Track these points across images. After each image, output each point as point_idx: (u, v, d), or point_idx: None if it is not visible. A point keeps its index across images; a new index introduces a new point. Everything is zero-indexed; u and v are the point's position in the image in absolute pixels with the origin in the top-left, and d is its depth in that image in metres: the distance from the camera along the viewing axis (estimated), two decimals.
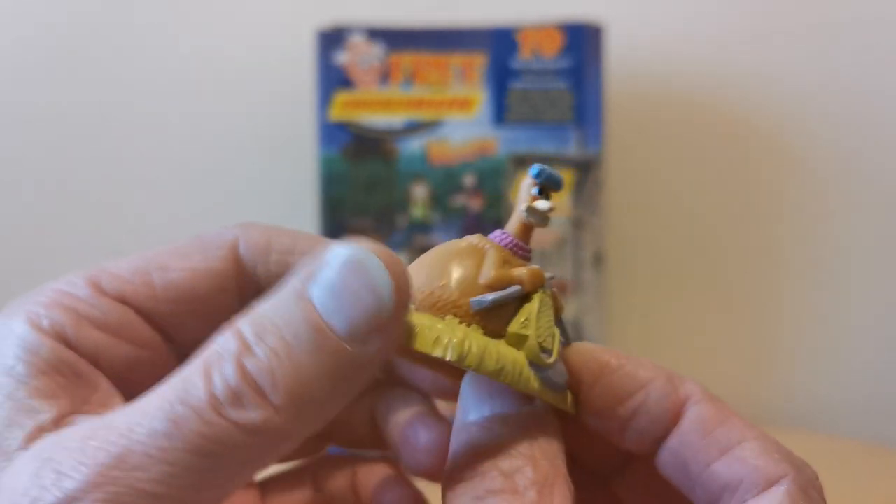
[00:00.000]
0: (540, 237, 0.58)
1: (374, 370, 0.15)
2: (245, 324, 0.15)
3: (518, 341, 0.17)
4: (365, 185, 0.57)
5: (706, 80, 0.69)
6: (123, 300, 0.19)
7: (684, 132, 0.69)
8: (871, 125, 0.69)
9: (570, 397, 0.18)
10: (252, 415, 0.14)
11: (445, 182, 0.57)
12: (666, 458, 0.18)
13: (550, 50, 0.56)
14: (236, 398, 0.14)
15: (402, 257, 0.53)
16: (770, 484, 0.17)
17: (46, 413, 0.16)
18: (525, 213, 0.20)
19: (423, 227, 0.58)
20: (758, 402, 0.71)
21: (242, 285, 0.20)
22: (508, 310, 0.17)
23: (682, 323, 0.70)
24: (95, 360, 0.18)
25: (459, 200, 0.58)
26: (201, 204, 0.69)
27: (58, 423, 0.16)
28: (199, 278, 0.19)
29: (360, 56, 0.56)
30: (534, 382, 0.16)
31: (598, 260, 0.58)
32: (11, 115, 0.69)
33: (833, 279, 0.70)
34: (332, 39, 0.56)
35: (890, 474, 0.56)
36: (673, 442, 0.17)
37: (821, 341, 0.71)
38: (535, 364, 0.17)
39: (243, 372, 0.14)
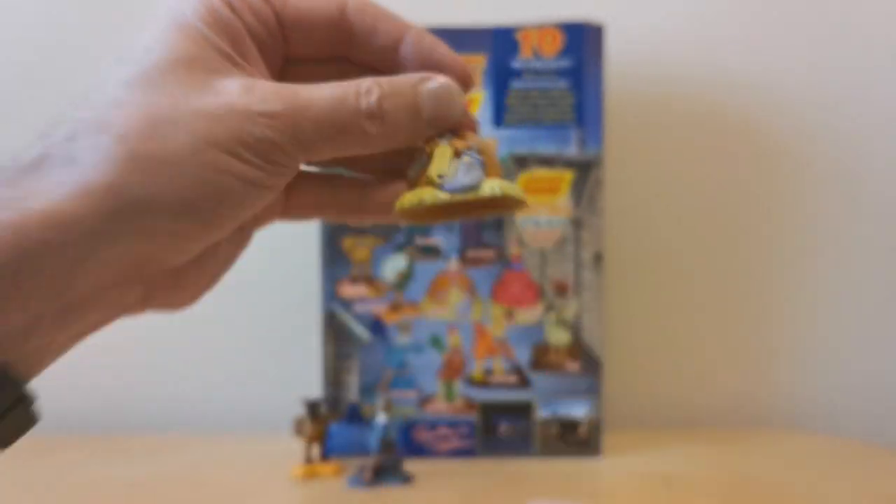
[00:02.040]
0: (541, 237, 0.58)
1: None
2: (385, 83, 0.25)
3: (427, 181, 0.26)
4: None
5: (706, 80, 0.69)
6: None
7: (684, 133, 0.69)
8: (870, 126, 0.69)
9: (486, 180, 0.27)
10: (372, 128, 0.24)
11: None
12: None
13: (551, 50, 0.56)
14: (370, 115, 0.24)
15: (401, 258, 0.54)
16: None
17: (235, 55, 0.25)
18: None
19: (423, 227, 0.58)
20: (758, 402, 0.71)
21: (343, 28, 0.27)
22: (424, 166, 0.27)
23: (681, 323, 0.70)
24: (249, 30, 0.25)
25: None
26: None
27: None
28: (318, 11, 0.26)
29: None
30: (439, 194, 0.26)
31: (598, 259, 0.58)
32: (12, 116, 0.69)
33: (833, 280, 0.70)
34: None
35: (890, 474, 0.56)
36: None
37: (820, 341, 0.71)
38: (435, 185, 0.26)
39: (379, 107, 0.24)
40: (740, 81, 0.68)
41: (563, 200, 0.58)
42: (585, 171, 0.57)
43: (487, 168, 0.27)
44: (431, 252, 0.58)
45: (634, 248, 0.70)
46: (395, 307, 0.58)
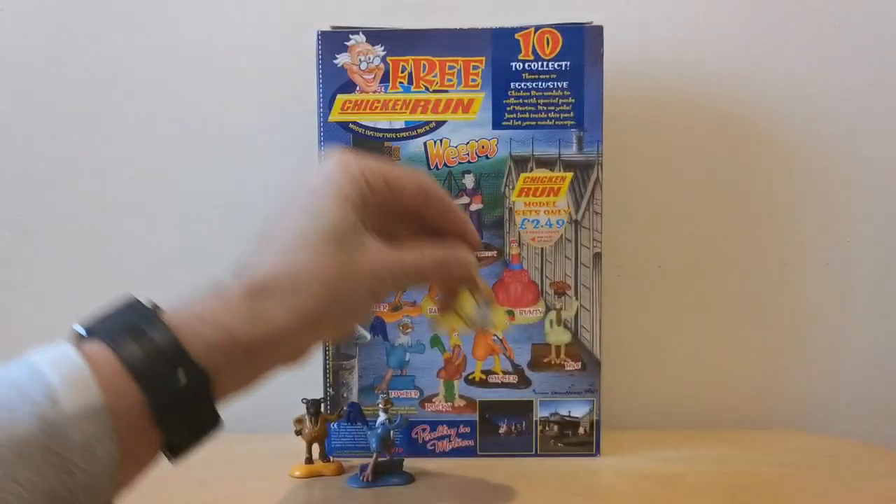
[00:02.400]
0: (540, 238, 0.58)
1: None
2: (439, 256, 0.38)
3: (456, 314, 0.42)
4: None
5: (705, 81, 0.69)
6: (375, 179, 0.36)
7: (683, 133, 0.69)
8: (870, 127, 0.69)
9: (492, 317, 0.44)
10: (429, 280, 0.40)
11: (445, 182, 0.58)
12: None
13: (550, 51, 0.56)
14: (431, 275, 0.38)
15: None
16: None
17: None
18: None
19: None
20: (758, 402, 0.71)
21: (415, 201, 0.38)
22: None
23: (680, 323, 0.70)
24: (377, 204, 0.36)
25: (459, 200, 0.58)
26: (203, 204, 0.70)
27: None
28: (407, 191, 0.37)
29: (361, 58, 0.57)
30: (466, 323, 0.43)
31: (598, 259, 0.58)
32: (13, 117, 0.70)
33: (833, 280, 0.70)
34: (333, 41, 0.57)
35: (890, 474, 0.56)
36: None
37: (820, 342, 0.71)
38: (462, 318, 0.42)
39: (432, 269, 0.38)
40: (739, 82, 0.69)
41: (563, 201, 0.58)
42: (585, 172, 0.57)
43: (490, 309, 0.43)
44: None
45: (634, 248, 0.70)
46: (396, 307, 0.58)
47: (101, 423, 0.27)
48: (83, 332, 0.30)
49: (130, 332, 0.29)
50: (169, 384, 0.29)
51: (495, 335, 0.59)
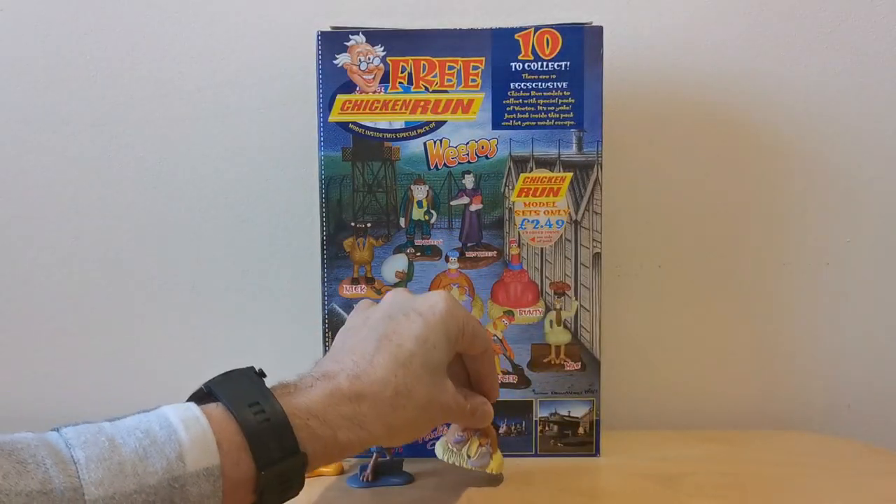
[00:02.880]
0: (540, 238, 0.58)
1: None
2: (479, 404, 0.47)
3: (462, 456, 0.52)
4: (366, 186, 0.58)
5: (705, 81, 0.69)
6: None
7: (683, 133, 0.69)
8: (870, 127, 0.69)
9: (491, 463, 0.52)
10: (469, 417, 0.47)
11: (445, 182, 0.58)
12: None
13: (550, 51, 0.57)
14: (470, 414, 0.47)
15: (402, 258, 0.56)
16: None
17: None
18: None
19: (423, 227, 0.58)
20: (758, 402, 0.71)
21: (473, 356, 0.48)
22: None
23: (680, 323, 0.70)
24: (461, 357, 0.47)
25: (459, 201, 0.58)
26: (203, 204, 0.70)
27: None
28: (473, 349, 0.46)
29: (360, 58, 0.57)
30: (465, 464, 0.52)
31: (598, 260, 0.58)
32: (12, 118, 0.70)
33: (833, 280, 0.70)
34: (333, 41, 0.57)
35: (890, 474, 0.56)
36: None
37: (820, 342, 0.71)
38: (467, 457, 0.51)
39: (472, 413, 0.47)
40: (739, 82, 0.69)
41: (563, 201, 0.58)
42: (585, 172, 0.57)
43: (492, 453, 0.51)
44: (431, 252, 0.58)
45: (634, 249, 0.70)
46: None
47: (215, 482, 0.32)
48: (205, 390, 0.36)
49: (250, 404, 0.34)
50: (275, 461, 0.34)
51: (495, 335, 0.59)
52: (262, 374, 0.38)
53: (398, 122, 0.57)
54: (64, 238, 0.70)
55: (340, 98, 0.57)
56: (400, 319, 0.42)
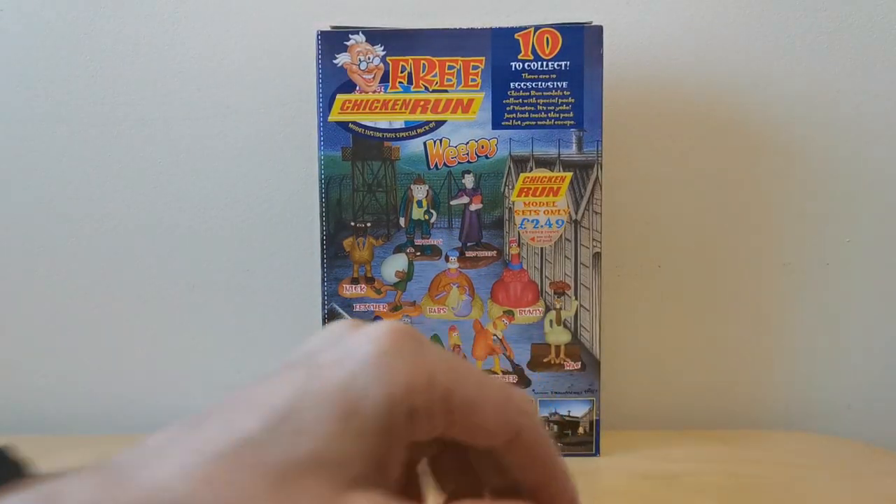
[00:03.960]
0: (540, 237, 0.58)
1: None
2: None
3: None
4: (366, 185, 0.58)
5: (704, 81, 0.69)
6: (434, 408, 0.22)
7: (682, 133, 0.69)
8: (869, 127, 0.69)
9: None
10: None
11: (445, 182, 0.58)
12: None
13: (550, 51, 0.57)
14: None
15: (402, 258, 0.54)
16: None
17: None
18: None
19: (423, 227, 0.58)
20: (758, 402, 0.71)
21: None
22: None
23: (680, 323, 0.70)
24: (413, 441, 0.22)
25: (459, 200, 0.58)
26: (203, 204, 0.70)
27: None
28: (485, 439, 0.24)
29: (360, 58, 0.57)
30: None
31: (597, 259, 0.58)
32: (12, 119, 0.70)
33: (832, 280, 0.70)
34: (333, 41, 0.57)
35: (890, 474, 0.56)
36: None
37: (820, 342, 0.71)
38: None
39: None
40: (738, 82, 0.69)
41: (563, 201, 0.58)
42: (585, 172, 0.57)
43: None
44: (431, 252, 0.58)
45: (634, 248, 0.70)
46: (395, 307, 0.58)
47: None
48: None
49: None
50: None
51: (495, 335, 0.59)
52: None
53: (398, 122, 0.57)
54: (64, 238, 0.70)
55: (340, 98, 0.57)
56: (282, 375, 0.22)
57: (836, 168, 0.69)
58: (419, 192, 0.58)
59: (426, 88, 0.57)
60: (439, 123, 0.57)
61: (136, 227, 0.70)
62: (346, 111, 0.57)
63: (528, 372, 0.59)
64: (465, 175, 0.58)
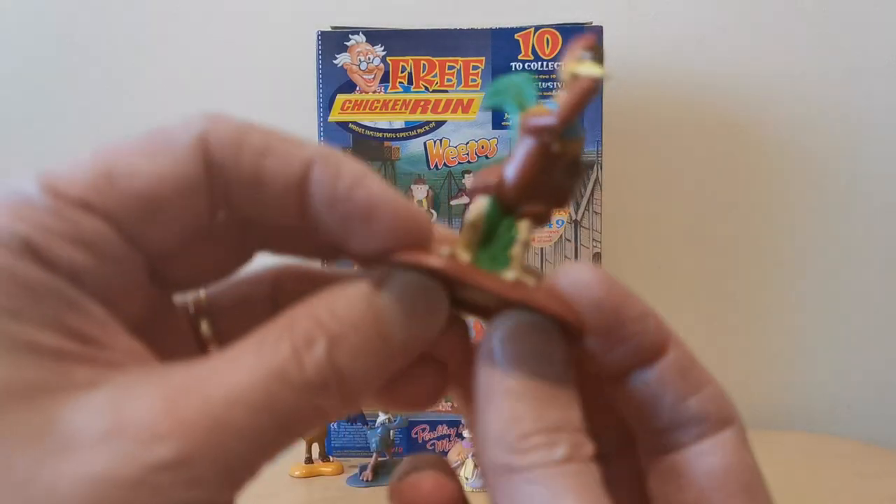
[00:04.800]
0: (540, 237, 0.58)
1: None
2: (327, 314, 0.17)
3: None
4: None
5: (703, 82, 0.69)
6: (88, 208, 0.16)
7: (681, 134, 0.69)
8: (869, 127, 0.69)
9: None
10: (329, 402, 0.16)
11: (445, 182, 0.58)
12: (639, 384, 0.20)
13: (550, 51, 0.57)
14: (323, 387, 0.16)
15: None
16: (725, 424, 0.20)
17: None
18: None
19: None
20: (758, 402, 0.71)
21: (211, 185, 0.17)
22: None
23: (679, 324, 0.70)
24: (75, 283, 0.15)
25: (460, 201, 0.58)
26: None
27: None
28: (168, 182, 0.16)
29: (360, 58, 0.57)
30: (467, 486, 0.22)
31: (597, 260, 0.58)
32: (12, 119, 0.70)
33: (832, 280, 0.70)
34: (333, 42, 0.57)
35: (890, 474, 0.56)
36: (652, 373, 0.20)
37: (820, 342, 0.71)
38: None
39: (333, 364, 0.16)
40: (737, 83, 0.69)
41: None
42: (585, 172, 0.57)
43: None
44: None
45: (633, 248, 0.70)
46: None
47: None
48: None
49: None
50: None
51: None
52: None
53: (398, 122, 0.57)
54: None
55: (340, 98, 0.57)
56: None
57: (835, 168, 0.69)
58: (419, 192, 0.58)
59: (426, 88, 0.57)
60: (439, 123, 0.57)
61: None
62: (346, 111, 0.57)
63: None
64: (465, 175, 0.58)
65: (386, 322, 0.17)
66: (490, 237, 0.19)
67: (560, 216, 0.58)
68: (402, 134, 0.57)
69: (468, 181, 0.58)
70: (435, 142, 0.57)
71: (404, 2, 0.68)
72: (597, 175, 0.57)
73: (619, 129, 0.66)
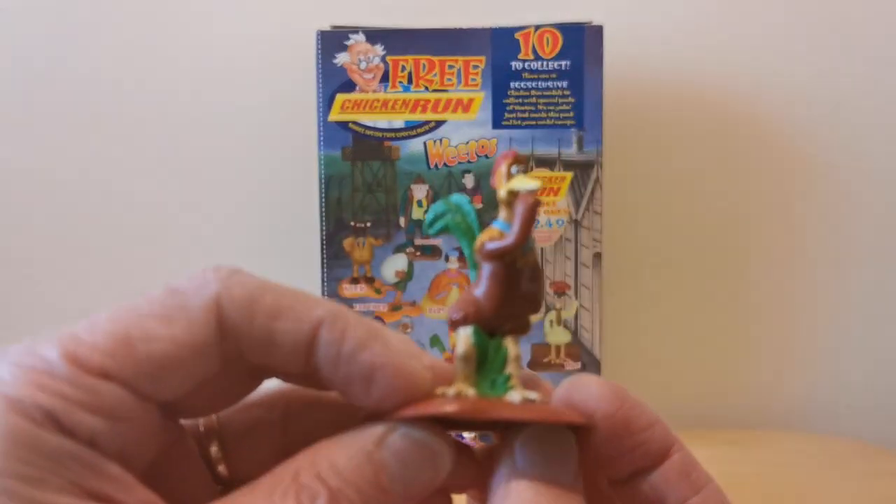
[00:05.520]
0: (540, 237, 0.58)
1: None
2: (330, 472, 0.18)
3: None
4: (365, 185, 0.58)
5: (705, 81, 0.69)
6: (106, 376, 0.17)
7: (683, 133, 0.69)
8: (869, 126, 0.69)
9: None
10: None
11: (445, 182, 0.57)
12: (644, 487, 0.21)
13: (550, 51, 0.56)
14: None
15: (401, 258, 0.52)
16: None
17: None
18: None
19: (423, 227, 0.58)
20: (758, 402, 0.71)
21: (224, 345, 0.19)
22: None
23: (680, 323, 0.70)
24: (93, 446, 0.17)
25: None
26: (202, 204, 0.70)
27: None
28: (183, 347, 0.18)
29: (360, 57, 0.57)
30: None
31: (598, 259, 0.58)
32: (11, 118, 0.69)
33: (832, 279, 0.70)
34: (332, 41, 0.56)
35: (890, 474, 0.56)
36: (656, 476, 0.21)
37: (819, 341, 0.71)
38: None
39: None
40: (739, 82, 0.69)
41: (563, 201, 0.58)
42: (585, 172, 0.57)
43: None
44: (431, 252, 0.58)
45: (634, 248, 0.70)
46: (395, 307, 0.58)
47: None
48: None
49: None
50: None
51: None
52: None
53: (398, 122, 0.57)
54: (62, 239, 0.70)
55: (340, 97, 0.57)
56: None
57: (836, 168, 0.69)
58: (419, 191, 0.58)
59: (426, 88, 0.57)
60: (439, 123, 0.57)
61: (134, 228, 0.70)
62: (345, 111, 0.57)
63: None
64: (466, 175, 0.58)
65: (386, 477, 0.18)
66: (483, 363, 0.21)
67: (560, 216, 0.58)
68: (401, 133, 0.57)
69: (468, 181, 0.58)
70: (435, 141, 0.57)
71: (404, 1, 0.68)
72: (597, 175, 0.57)
73: (620, 128, 0.66)
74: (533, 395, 0.20)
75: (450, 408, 0.18)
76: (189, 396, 0.19)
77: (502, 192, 0.21)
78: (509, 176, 0.21)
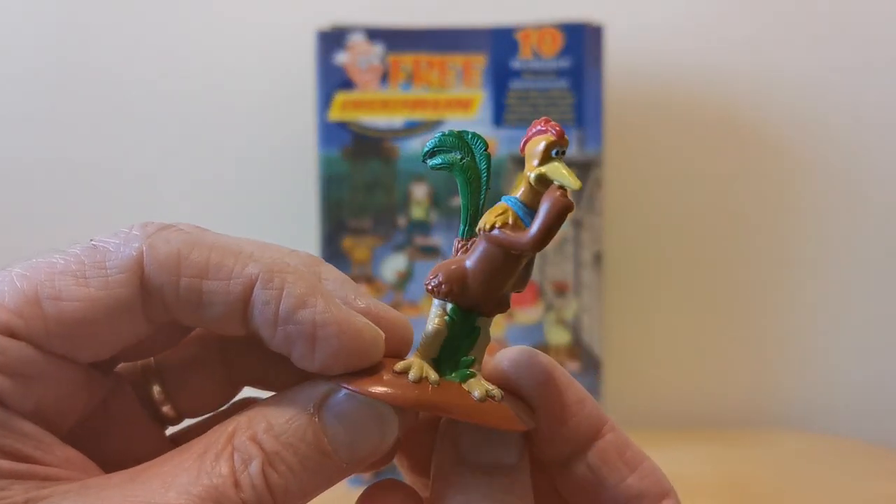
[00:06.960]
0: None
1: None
2: (264, 431, 0.17)
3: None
4: (365, 185, 0.57)
5: (705, 80, 0.69)
6: (13, 334, 0.16)
7: (683, 133, 0.69)
8: (870, 127, 0.69)
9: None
10: None
11: (445, 182, 0.57)
12: (581, 468, 0.20)
13: (550, 50, 0.56)
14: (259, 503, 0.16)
15: (401, 258, 0.52)
16: (662, 497, 0.21)
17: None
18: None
19: (423, 227, 0.58)
20: (757, 402, 0.71)
21: (147, 305, 0.18)
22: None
23: (680, 323, 0.70)
24: (1, 404, 0.16)
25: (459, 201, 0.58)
26: (202, 204, 0.70)
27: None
28: (99, 306, 0.17)
29: (360, 56, 0.57)
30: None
31: (598, 259, 0.58)
32: (11, 118, 0.69)
33: (832, 280, 0.70)
34: (332, 40, 0.56)
35: (890, 474, 0.56)
36: (593, 456, 0.21)
37: (820, 342, 0.71)
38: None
39: (267, 484, 0.16)
40: (740, 81, 0.69)
41: None
42: (585, 172, 0.57)
43: None
44: (431, 252, 0.58)
45: (634, 248, 0.70)
46: (395, 307, 0.58)
47: None
48: None
49: None
50: None
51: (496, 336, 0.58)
52: None
53: (397, 121, 0.57)
54: (63, 239, 0.70)
55: (339, 96, 0.57)
56: None
57: (836, 168, 0.69)
58: (419, 191, 0.58)
59: (426, 87, 0.57)
60: (439, 122, 0.57)
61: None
62: (345, 110, 0.57)
63: None
64: None
65: (329, 440, 0.17)
66: (450, 339, 0.20)
67: None
68: (401, 133, 0.57)
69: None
70: None
71: (404, 1, 0.67)
72: (597, 175, 0.57)
73: (621, 128, 0.66)
74: (494, 390, 0.19)
75: (409, 395, 0.17)
76: (126, 355, 0.18)
77: (532, 175, 0.18)
78: (547, 157, 0.18)
